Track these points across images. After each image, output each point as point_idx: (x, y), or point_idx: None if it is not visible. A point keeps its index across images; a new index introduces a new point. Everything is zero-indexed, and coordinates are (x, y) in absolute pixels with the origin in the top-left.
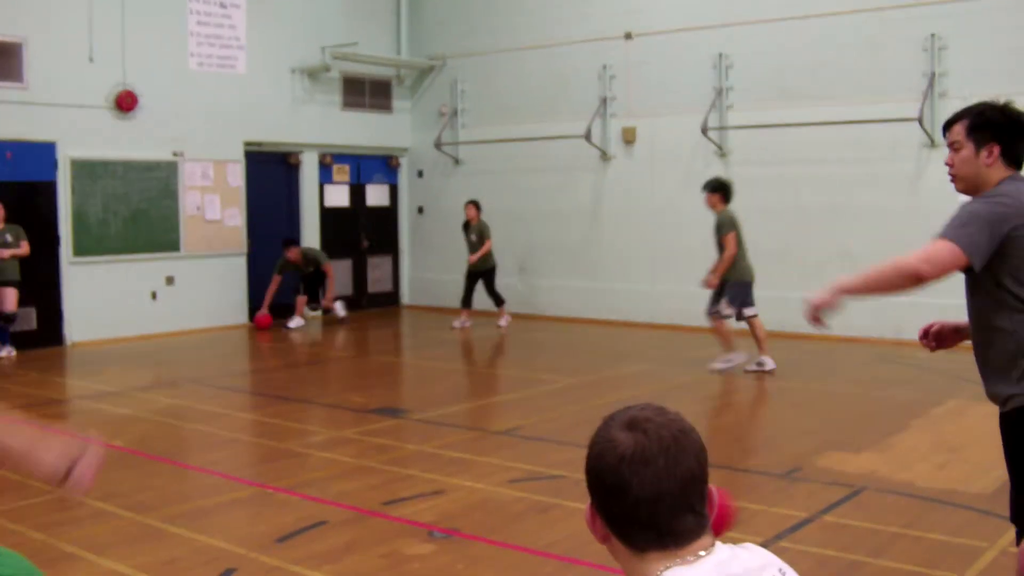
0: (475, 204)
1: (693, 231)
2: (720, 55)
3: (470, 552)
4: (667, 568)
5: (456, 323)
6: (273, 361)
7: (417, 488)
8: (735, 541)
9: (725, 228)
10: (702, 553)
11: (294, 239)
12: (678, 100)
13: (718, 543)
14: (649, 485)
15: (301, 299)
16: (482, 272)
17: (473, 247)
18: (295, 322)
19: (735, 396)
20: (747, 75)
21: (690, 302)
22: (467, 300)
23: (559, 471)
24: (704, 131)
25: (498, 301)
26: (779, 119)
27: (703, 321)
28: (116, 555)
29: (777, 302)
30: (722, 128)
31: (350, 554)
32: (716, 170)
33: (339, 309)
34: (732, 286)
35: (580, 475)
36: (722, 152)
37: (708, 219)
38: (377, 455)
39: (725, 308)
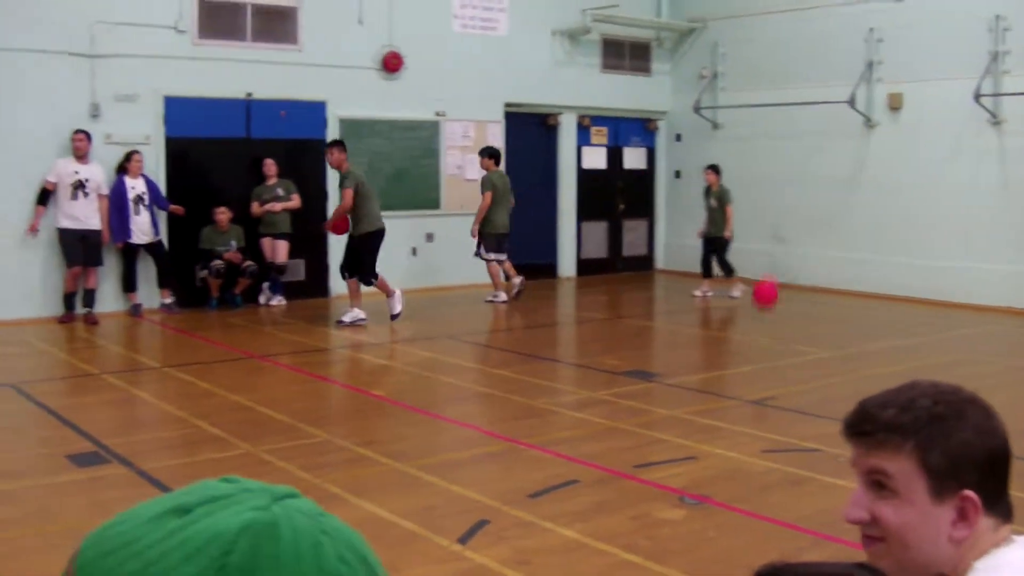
0: (715, 169)
1: (959, 202)
2: (996, 17)
3: (720, 520)
4: (986, 553)
5: (698, 292)
6: (526, 319)
7: (668, 453)
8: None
9: (485, 187)
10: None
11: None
12: (949, 65)
13: (1013, 535)
14: (1010, 451)
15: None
16: (718, 239)
17: (712, 213)
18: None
19: (1004, 377)
20: None
21: (952, 276)
22: (708, 268)
23: (813, 444)
24: (977, 98)
25: (728, 271)
26: None
27: (965, 297)
28: (376, 499)
29: None
30: (996, 95)
31: (600, 514)
32: (989, 139)
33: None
34: (486, 236)
35: (836, 449)
36: (996, 120)
37: (977, 190)
38: (628, 418)
39: (485, 253)
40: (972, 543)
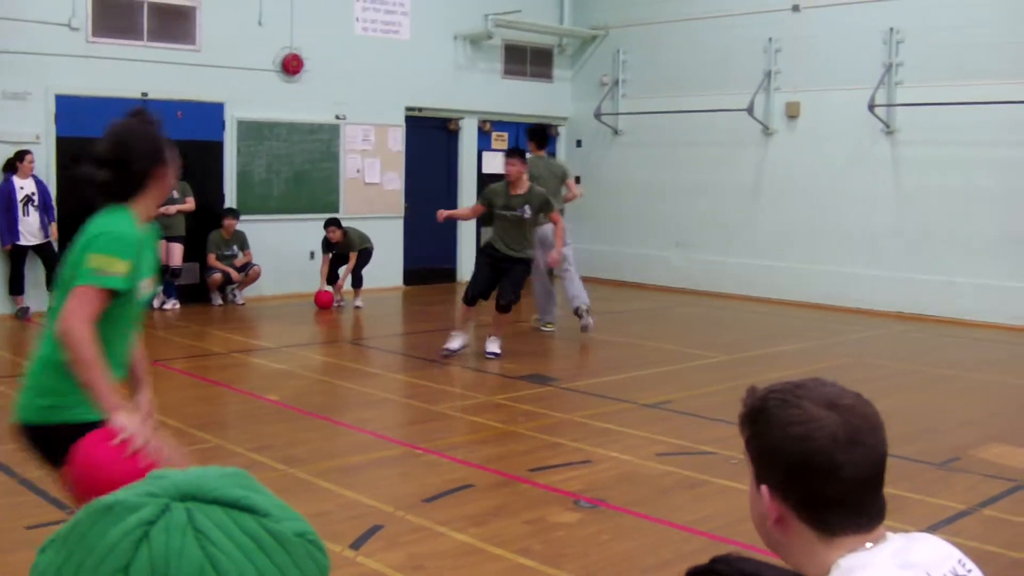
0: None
1: (855, 209)
2: (891, 29)
3: (616, 523)
4: (848, 554)
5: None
6: (428, 324)
7: (564, 457)
8: (893, 529)
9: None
10: (869, 545)
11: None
12: (845, 75)
13: (889, 532)
14: (862, 466)
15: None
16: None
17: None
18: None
19: (895, 380)
20: (919, 51)
21: (849, 282)
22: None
23: (709, 447)
24: (871, 108)
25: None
26: (951, 97)
27: (861, 303)
28: None
29: (943, 286)
30: (890, 105)
31: (496, 518)
32: (883, 148)
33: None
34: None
35: (731, 452)
36: (889, 129)
37: (872, 197)
38: (525, 422)
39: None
40: (794, 543)
